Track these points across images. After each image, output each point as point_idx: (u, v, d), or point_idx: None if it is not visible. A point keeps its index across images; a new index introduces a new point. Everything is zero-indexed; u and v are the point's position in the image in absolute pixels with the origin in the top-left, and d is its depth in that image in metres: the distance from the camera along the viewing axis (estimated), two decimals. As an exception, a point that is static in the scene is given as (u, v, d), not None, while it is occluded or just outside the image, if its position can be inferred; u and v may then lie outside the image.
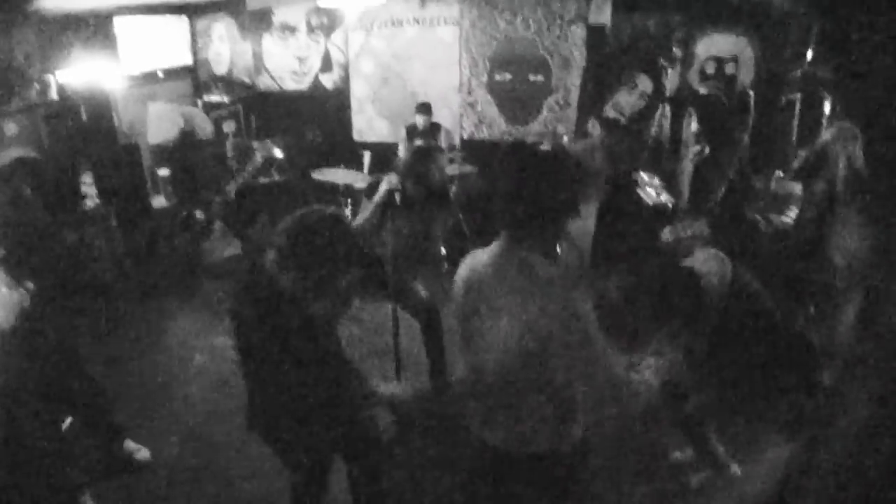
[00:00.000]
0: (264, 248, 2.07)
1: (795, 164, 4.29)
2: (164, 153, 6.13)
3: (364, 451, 2.44)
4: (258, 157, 4.99)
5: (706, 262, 2.46)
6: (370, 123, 7.01)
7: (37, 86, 5.39)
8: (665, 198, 5.28)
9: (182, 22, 6.78)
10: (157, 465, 3.28)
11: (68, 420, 3.26)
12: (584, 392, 1.82)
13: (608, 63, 5.92)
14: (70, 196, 5.01)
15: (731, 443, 2.87)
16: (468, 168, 6.01)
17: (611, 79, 5.98)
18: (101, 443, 3.25)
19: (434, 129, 5.95)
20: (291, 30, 6.94)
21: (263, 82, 7.29)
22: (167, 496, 3.11)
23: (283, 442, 2.29)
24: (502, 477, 1.89)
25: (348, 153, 6.59)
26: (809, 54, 5.36)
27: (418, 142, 5.45)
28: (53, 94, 5.47)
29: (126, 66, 5.92)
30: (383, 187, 3.27)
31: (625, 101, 6.02)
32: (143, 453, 3.30)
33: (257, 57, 7.19)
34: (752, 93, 5.47)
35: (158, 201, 5.93)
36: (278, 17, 6.94)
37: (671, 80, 5.78)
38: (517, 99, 6.37)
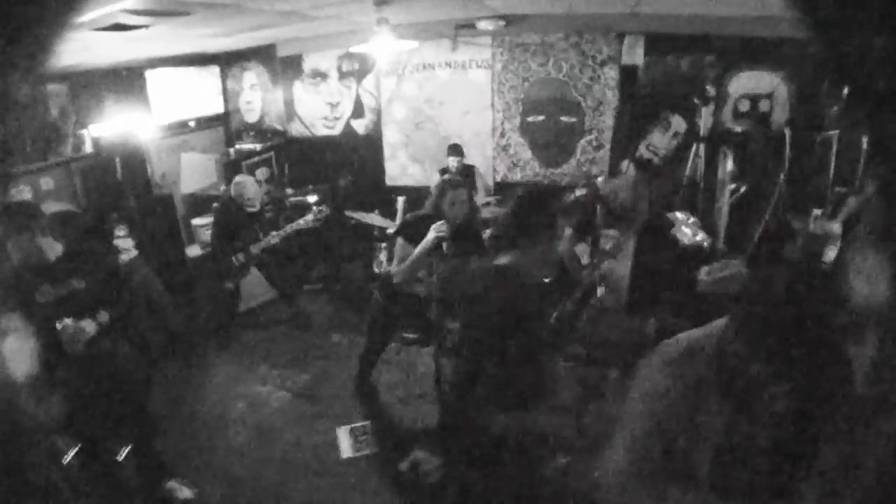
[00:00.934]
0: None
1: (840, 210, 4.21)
2: (198, 203, 6.14)
3: None
4: (310, 216, 5.01)
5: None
6: (403, 168, 6.99)
7: (72, 140, 5.44)
8: (701, 237, 5.17)
9: (213, 71, 6.85)
10: (199, 504, 3.24)
11: (72, 452, 3.17)
12: None
13: (641, 103, 5.89)
14: (104, 249, 5.03)
15: None
16: (502, 211, 5.95)
17: (644, 119, 5.95)
18: (146, 480, 3.22)
19: (468, 170, 5.92)
20: (323, 76, 6.97)
21: (295, 129, 7.29)
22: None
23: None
24: None
25: (381, 198, 6.56)
26: (846, 90, 5.31)
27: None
28: (88, 148, 5.53)
29: (158, 118, 5.97)
30: (431, 235, 3.21)
31: (658, 142, 5.98)
32: (185, 492, 3.24)
33: (288, 104, 7.20)
34: (787, 130, 5.40)
35: (193, 250, 5.92)
36: (309, 63, 6.97)
37: (705, 119, 5.71)
38: (550, 141, 6.34)
